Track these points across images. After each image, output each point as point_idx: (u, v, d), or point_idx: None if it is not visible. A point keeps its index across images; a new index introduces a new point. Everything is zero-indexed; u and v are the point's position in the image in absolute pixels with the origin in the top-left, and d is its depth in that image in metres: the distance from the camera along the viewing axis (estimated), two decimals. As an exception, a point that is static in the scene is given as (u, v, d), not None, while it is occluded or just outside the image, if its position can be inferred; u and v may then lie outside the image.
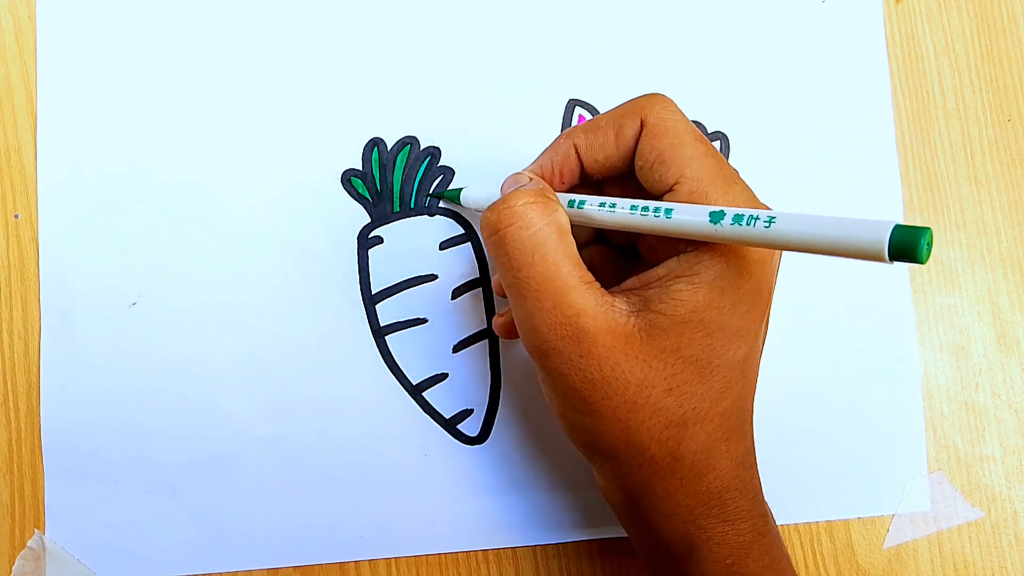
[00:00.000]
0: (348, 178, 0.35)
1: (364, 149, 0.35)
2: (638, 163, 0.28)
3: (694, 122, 0.37)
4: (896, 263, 0.22)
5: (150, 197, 0.34)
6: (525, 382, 0.35)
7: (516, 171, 0.30)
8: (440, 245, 0.35)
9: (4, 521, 0.33)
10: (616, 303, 0.27)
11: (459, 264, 0.35)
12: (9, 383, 0.34)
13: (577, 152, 0.29)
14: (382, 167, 0.35)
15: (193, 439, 0.34)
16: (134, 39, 0.35)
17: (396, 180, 0.35)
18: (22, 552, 0.33)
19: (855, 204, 0.38)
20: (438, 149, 0.36)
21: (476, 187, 0.33)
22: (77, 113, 0.34)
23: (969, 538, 0.37)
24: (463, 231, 0.36)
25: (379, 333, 0.35)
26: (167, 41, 0.35)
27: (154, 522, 0.34)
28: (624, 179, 0.29)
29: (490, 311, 0.35)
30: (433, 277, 0.35)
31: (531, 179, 0.29)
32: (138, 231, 0.34)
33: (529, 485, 0.35)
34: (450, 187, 0.35)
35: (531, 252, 0.26)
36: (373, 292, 0.35)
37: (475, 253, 0.36)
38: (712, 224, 0.25)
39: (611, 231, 0.32)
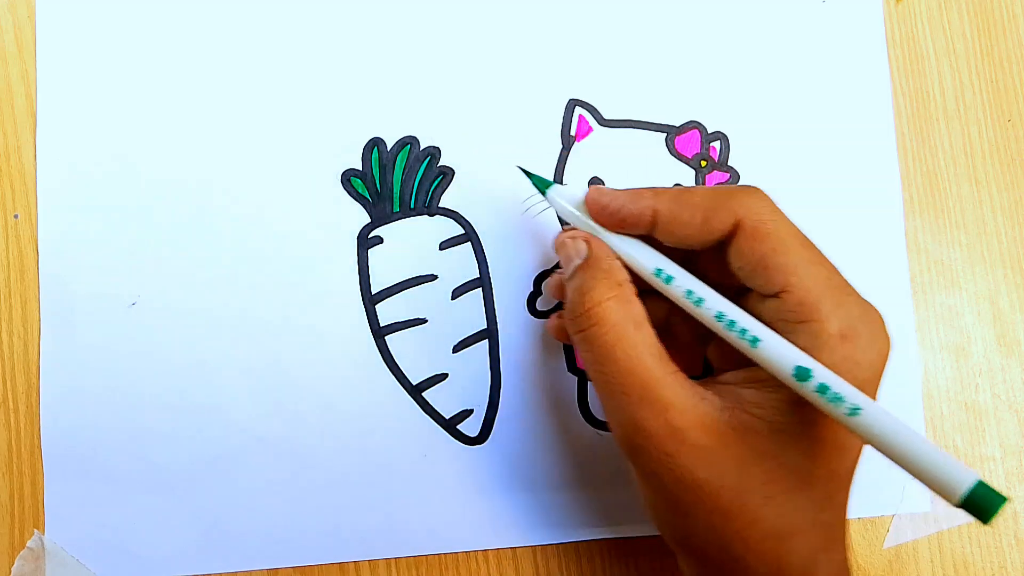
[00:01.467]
0: (348, 178, 0.35)
1: (364, 149, 0.35)
2: (736, 264, 0.27)
3: (694, 122, 0.37)
4: (961, 510, 0.22)
5: (150, 197, 0.34)
6: (525, 382, 0.35)
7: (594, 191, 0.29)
8: (440, 245, 0.35)
9: (4, 521, 0.33)
10: (707, 396, 0.26)
11: (459, 264, 0.35)
12: (9, 383, 0.34)
13: (654, 216, 0.28)
14: (382, 167, 0.35)
15: (193, 439, 0.34)
16: (134, 39, 0.35)
17: (396, 180, 0.35)
18: (22, 552, 0.33)
19: (855, 204, 0.38)
20: (438, 149, 0.36)
21: (565, 192, 0.31)
22: (77, 113, 0.34)
23: (969, 538, 0.37)
24: (463, 231, 0.36)
25: (379, 333, 0.35)
26: (167, 41, 0.35)
27: (154, 522, 0.34)
28: (701, 254, 0.28)
29: (490, 311, 0.35)
30: (433, 277, 0.35)
31: (589, 246, 0.28)
32: (138, 231, 0.34)
33: (529, 485, 0.35)
34: (533, 173, 0.33)
35: (612, 347, 0.26)
36: (373, 292, 0.35)
37: (475, 253, 0.36)
38: (796, 380, 0.24)
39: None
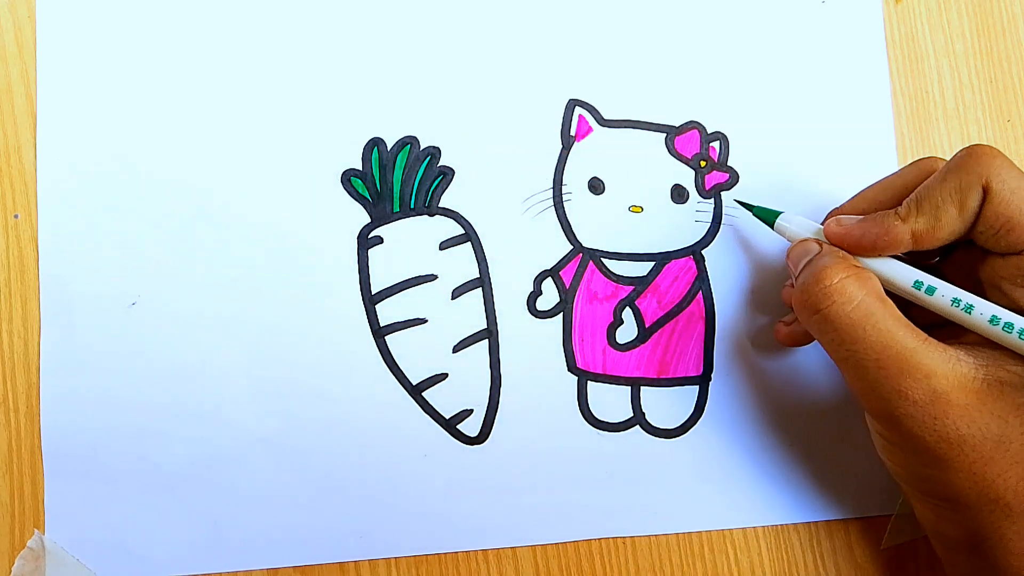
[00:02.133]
0: (348, 178, 0.35)
1: (364, 149, 0.35)
2: (980, 229, 0.28)
3: (694, 122, 0.37)
4: None
5: (150, 197, 0.34)
6: (525, 382, 0.35)
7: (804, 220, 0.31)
8: (440, 245, 0.35)
9: (4, 521, 0.33)
10: (961, 357, 0.27)
11: (459, 264, 0.35)
12: (9, 383, 0.34)
13: (914, 237, 0.28)
14: (382, 167, 0.35)
15: (193, 439, 0.34)
16: (134, 39, 0.35)
17: (396, 180, 0.35)
18: (22, 552, 0.33)
19: (855, 204, 0.38)
20: (438, 149, 0.36)
21: (796, 219, 0.33)
22: (77, 113, 0.34)
23: (969, 538, 0.37)
24: (463, 231, 0.36)
25: (379, 333, 0.35)
26: (167, 41, 0.35)
27: (154, 522, 0.34)
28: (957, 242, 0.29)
29: (490, 311, 0.35)
30: (433, 277, 0.35)
31: (821, 248, 0.29)
32: (138, 231, 0.34)
33: (529, 485, 0.35)
34: (755, 205, 0.35)
35: (861, 325, 0.27)
36: (373, 292, 0.35)
37: (475, 253, 0.36)
38: (991, 325, 0.26)
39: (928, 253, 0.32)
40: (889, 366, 0.26)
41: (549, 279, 0.36)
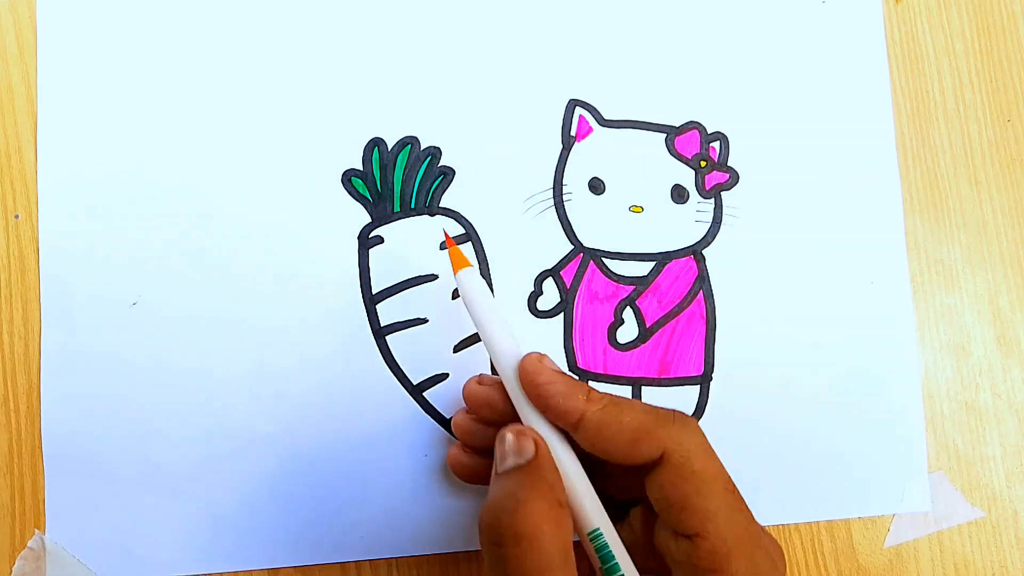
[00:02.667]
0: (348, 178, 0.35)
1: (364, 149, 0.35)
2: (655, 495, 0.26)
3: (694, 122, 0.37)
4: None
5: (150, 197, 0.34)
6: (525, 382, 0.35)
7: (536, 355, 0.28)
8: (440, 245, 0.35)
9: (4, 521, 0.33)
10: None
11: (459, 264, 0.35)
12: (9, 383, 0.34)
13: (580, 421, 0.26)
14: (382, 167, 0.35)
15: (193, 439, 0.34)
16: (134, 39, 0.35)
17: (396, 180, 0.35)
18: (22, 552, 0.33)
19: (855, 204, 0.38)
20: (438, 149, 0.36)
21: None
22: (77, 113, 0.34)
23: (969, 538, 0.37)
24: (464, 231, 0.36)
25: (379, 333, 0.35)
26: (167, 41, 0.35)
27: (154, 522, 0.34)
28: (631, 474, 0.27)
29: (490, 311, 0.35)
30: (433, 277, 0.35)
31: (537, 449, 0.26)
32: (138, 231, 0.34)
33: (529, 485, 0.35)
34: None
35: None
36: (373, 292, 0.35)
37: (476, 253, 0.36)
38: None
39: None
40: None
41: (550, 279, 0.36)
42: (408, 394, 0.35)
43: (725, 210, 0.37)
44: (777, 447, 0.36)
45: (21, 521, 0.33)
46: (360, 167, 0.35)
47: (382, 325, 0.35)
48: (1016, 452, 0.38)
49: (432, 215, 0.35)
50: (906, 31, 0.39)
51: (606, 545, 0.26)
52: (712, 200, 0.37)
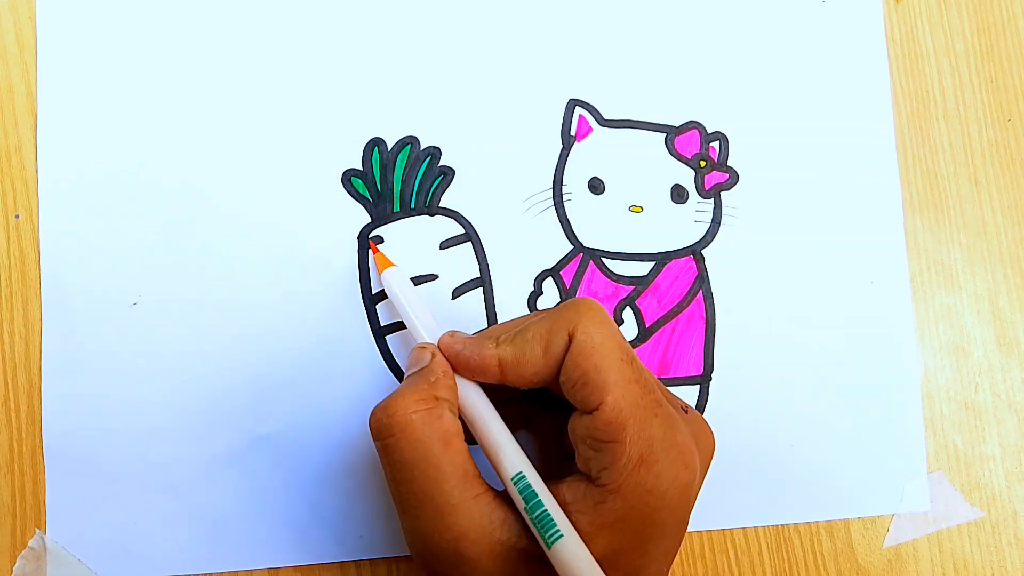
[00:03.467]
0: (348, 178, 0.35)
1: (364, 149, 0.35)
2: (562, 379, 0.27)
3: (694, 122, 0.37)
4: None
5: (151, 197, 0.34)
6: (525, 382, 0.35)
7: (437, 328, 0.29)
8: (440, 245, 0.35)
9: (5, 521, 0.33)
10: (507, 521, 0.26)
11: (459, 264, 0.35)
12: (10, 383, 0.34)
13: (500, 363, 0.27)
14: (382, 167, 0.35)
15: (193, 439, 0.34)
16: (134, 39, 0.35)
17: (396, 180, 0.35)
18: (23, 552, 0.33)
19: (855, 204, 0.38)
20: (438, 149, 0.36)
21: (399, 280, 0.32)
22: (77, 113, 0.34)
23: (969, 538, 0.37)
24: (463, 231, 0.36)
25: (379, 333, 0.35)
26: (167, 41, 0.35)
27: (154, 522, 0.34)
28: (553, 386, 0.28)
29: (490, 311, 0.35)
30: (433, 277, 0.35)
31: (433, 357, 0.28)
32: (138, 231, 0.34)
33: (529, 485, 0.35)
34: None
35: (412, 466, 0.25)
36: (373, 292, 0.35)
37: (475, 253, 0.36)
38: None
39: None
40: (424, 517, 0.25)
41: (549, 279, 0.36)
42: (408, 394, 0.35)
43: (725, 210, 0.37)
44: (776, 447, 0.36)
45: (21, 521, 0.33)
46: (360, 167, 0.35)
47: (382, 325, 0.35)
48: (1016, 452, 0.38)
49: (432, 215, 0.36)
50: (906, 31, 0.39)
51: (529, 486, 0.26)
52: (712, 200, 0.37)
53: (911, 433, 0.37)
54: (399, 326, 0.35)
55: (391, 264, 0.33)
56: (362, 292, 0.35)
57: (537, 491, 0.26)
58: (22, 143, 0.34)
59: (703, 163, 0.37)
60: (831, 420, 0.37)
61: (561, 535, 0.25)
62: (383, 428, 0.26)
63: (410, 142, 0.36)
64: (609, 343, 0.26)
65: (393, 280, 0.32)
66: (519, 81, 0.36)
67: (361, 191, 0.35)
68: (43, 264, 0.34)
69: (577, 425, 0.26)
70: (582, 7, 0.37)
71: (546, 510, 0.25)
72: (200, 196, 0.35)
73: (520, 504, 0.26)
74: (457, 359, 0.28)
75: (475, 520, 0.25)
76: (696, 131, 0.37)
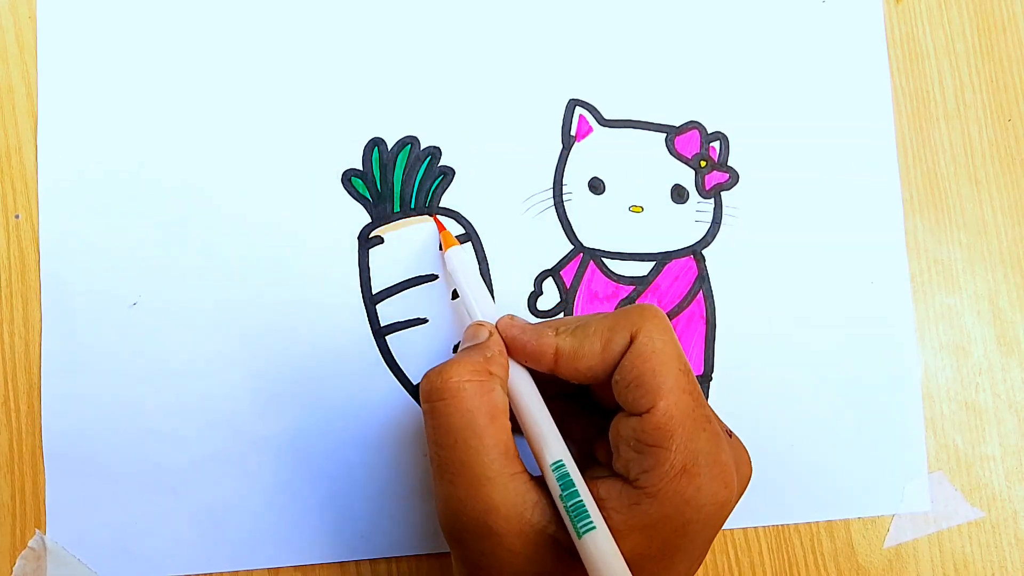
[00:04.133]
0: (348, 178, 0.35)
1: (364, 149, 0.35)
2: (617, 378, 0.27)
3: (694, 122, 0.37)
4: None
5: (151, 197, 0.34)
6: (525, 382, 0.35)
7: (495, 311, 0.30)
8: (440, 245, 0.35)
9: (5, 521, 0.33)
10: (540, 504, 0.26)
11: (459, 264, 0.35)
12: (10, 383, 0.34)
13: (556, 353, 0.28)
14: (382, 167, 0.35)
15: (193, 439, 0.34)
16: (134, 39, 0.35)
17: (396, 180, 0.35)
18: (23, 552, 0.33)
19: (855, 204, 0.38)
20: (438, 149, 0.36)
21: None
22: (78, 113, 0.34)
23: (969, 538, 0.37)
24: (463, 231, 0.36)
25: (379, 333, 0.35)
26: (167, 41, 0.35)
27: (154, 522, 0.34)
28: (602, 385, 0.28)
29: (490, 311, 0.35)
30: (433, 277, 0.35)
31: (490, 335, 0.28)
32: (138, 231, 0.34)
33: (529, 485, 0.35)
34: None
35: (456, 433, 0.25)
36: (373, 292, 0.35)
37: (475, 253, 0.36)
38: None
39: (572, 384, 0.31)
40: (460, 485, 0.25)
41: (550, 279, 0.36)
42: (408, 394, 0.35)
43: (725, 210, 0.37)
44: (777, 447, 0.36)
45: (21, 521, 0.33)
46: (360, 167, 0.35)
47: (382, 325, 0.35)
48: (1016, 452, 0.38)
49: (432, 215, 0.35)
50: (906, 31, 0.39)
51: (567, 475, 0.26)
52: (712, 200, 0.37)
53: (911, 433, 0.37)
54: (399, 326, 0.35)
55: (456, 243, 0.33)
56: (362, 292, 0.35)
57: (575, 480, 0.26)
58: (22, 143, 0.34)
59: (703, 163, 0.37)
60: (831, 420, 0.37)
61: (593, 527, 0.25)
62: (435, 391, 0.26)
63: (410, 142, 0.36)
64: (670, 350, 0.26)
65: (457, 259, 0.33)
66: (519, 81, 0.36)
67: (361, 191, 0.35)
68: (43, 264, 0.34)
69: (623, 426, 0.26)
70: (582, 7, 0.37)
71: (581, 500, 0.25)
72: (200, 196, 0.35)
73: (556, 491, 0.26)
74: (514, 342, 0.28)
75: (509, 496, 0.25)
76: (696, 131, 0.37)
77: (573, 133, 0.37)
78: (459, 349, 0.29)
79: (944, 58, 0.39)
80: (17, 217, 0.34)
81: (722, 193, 0.37)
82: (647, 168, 0.37)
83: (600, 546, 0.24)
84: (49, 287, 0.34)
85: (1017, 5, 0.40)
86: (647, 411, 0.25)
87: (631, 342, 0.27)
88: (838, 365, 0.37)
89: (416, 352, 0.35)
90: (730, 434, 0.29)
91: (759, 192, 0.37)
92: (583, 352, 0.27)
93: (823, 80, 0.38)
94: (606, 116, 0.37)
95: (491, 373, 0.27)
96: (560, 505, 0.26)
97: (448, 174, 0.36)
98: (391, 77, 0.36)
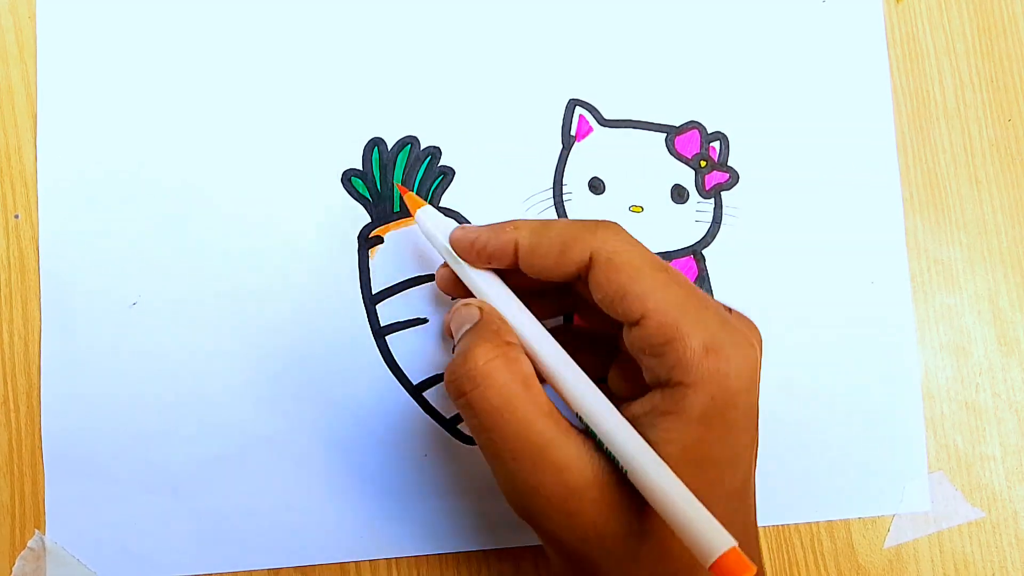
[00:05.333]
0: (348, 178, 0.35)
1: (364, 149, 0.35)
2: (597, 296, 0.27)
3: (694, 122, 0.37)
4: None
5: (150, 197, 0.34)
6: (525, 382, 0.35)
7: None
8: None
9: (4, 521, 0.33)
10: (599, 449, 0.25)
11: (459, 264, 0.35)
12: (9, 383, 0.34)
13: (516, 248, 0.28)
14: (382, 167, 0.35)
15: (193, 439, 0.34)
16: (134, 39, 0.35)
17: (396, 180, 0.35)
18: (22, 552, 0.33)
19: (855, 204, 0.38)
20: (438, 149, 0.36)
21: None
22: (77, 113, 0.34)
23: (969, 538, 0.37)
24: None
25: (379, 333, 0.35)
26: (167, 41, 0.35)
27: (154, 522, 0.34)
28: (561, 290, 0.28)
29: (490, 311, 0.35)
30: (433, 277, 0.35)
31: (481, 312, 0.28)
32: (138, 231, 0.34)
33: (529, 485, 0.35)
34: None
35: (500, 412, 0.25)
36: (373, 292, 0.35)
37: (475, 253, 0.36)
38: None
39: (588, 317, 0.31)
40: (523, 459, 0.25)
41: (549, 279, 0.36)
42: (408, 394, 0.35)
43: (725, 210, 0.37)
44: (777, 447, 0.36)
45: (21, 521, 0.33)
46: (360, 167, 0.35)
47: (382, 325, 0.35)
48: (1016, 452, 0.38)
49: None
50: (906, 31, 0.39)
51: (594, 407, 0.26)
52: (712, 200, 0.37)
53: (911, 433, 0.37)
54: (399, 326, 0.35)
55: (423, 203, 0.33)
56: (362, 292, 0.35)
57: (602, 417, 0.26)
58: (22, 143, 0.34)
59: (703, 163, 0.37)
60: (831, 420, 0.37)
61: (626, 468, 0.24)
62: (464, 382, 0.26)
63: (410, 142, 0.36)
64: (639, 255, 0.26)
65: (429, 220, 0.32)
66: (519, 81, 0.36)
67: (361, 191, 0.35)
68: (43, 264, 0.34)
69: (631, 339, 0.26)
70: (582, 7, 0.37)
71: (613, 431, 0.25)
72: (200, 196, 0.35)
73: (588, 419, 0.26)
74: (473, 244, 0.29)
75: (572, 452, 0.25)
76: (696, 131, 0.37)
77: (573, 133, 0.37)
78: (457, 335, 0.28)
79: (944, 58, 0.39)
80: (17, 217, 0.34)
81: (722, 193, 0.37)
82: (647, 168, 0.37)
83: (647, 473, 0.24)
84: (49, 287, 0.34)
85: (1017, 5, 0.40)
86: (643, 316, 0.25)
87: (591, 261, 0.26)
88: (838, 365, 0.37)
89: (416, 352, 0.35)
90: (729, 310, 0.29)
91: (759, 192, 0.37)
92: (541, 250, 0.27)
93: (823, 80, 0.38)
94: (606, 116, 0.37)
95: (508, 343, 0.27)
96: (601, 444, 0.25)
97: (448, 174, 0.36)
98: (391, 77, 0.36)
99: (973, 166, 0.39)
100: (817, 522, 0.37)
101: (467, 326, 0.28)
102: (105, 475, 0.33)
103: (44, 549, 0.33)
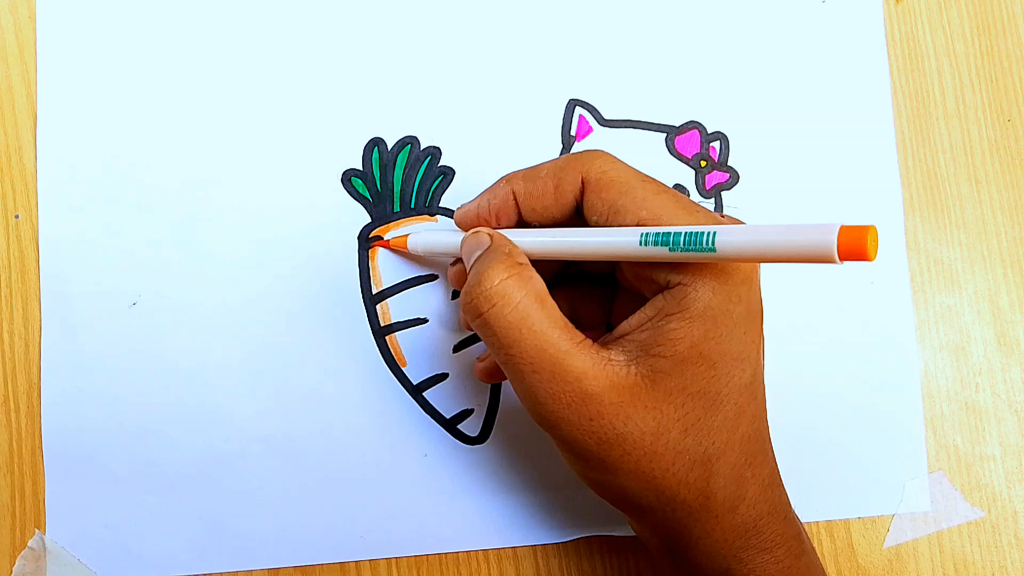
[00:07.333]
0: (348, 178, 0.35)
1: (364, 149, 0.35)
2: (592, 218, 0.28)
3: (694, 122, 0.37)
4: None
5: (150, 197, 0.34)
6: (525, 382, 0.35)
7: (467, 206, 0.31)
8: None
9: (5, 521, 0.33)
10: (613, 356, 0.26)
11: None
12: (9, 383, 0.34)
13: (515, 198, 0.29)
14: (382, 167, 0.35)
15: (193, 439, 0.34)
16: (134, 39, 0.35)
17: (396, 180, 0.35)
18: (23, 552, 0.33)
19: (855, 204, 0.38)
20: (438, 149, 0.36)
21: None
22: (77, 113, 0.34)
23: (969, 538, 0.37)
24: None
25: (379, 333, 0.35)
26: (167, 41, 0.35)
27: (154, 522, 0.34)
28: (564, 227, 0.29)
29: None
30: (433, 277, 0.35)
31: (491, 238, 0.29)
32: (138, 231, 0.34)
33: (529, 485, 0.35)
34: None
35: (518, 328, 0.26)
36: (373, 292, 0.35)
37: (475, 253, 0.36)
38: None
39: (585, 264, 0.32)
40: (542, 370, 0.26)
41: (549, 279, 0.36)
42: (408, 394, 0.35)
43: (725, 210, 0.37)
44: (777, 447, 0.36)
45: (21, 521, 0.33)
46: (360, 167, 0.35)
47: (382, 325, 0.35)
48: (1016, 452, 0.38)
49: (432, 215, 0.36)
50: (906, 31, 0.39)
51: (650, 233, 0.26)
52: (712, 200, 0.37)
53: (911, 433, 0.37)
54: (399, 326, 0.35)
55: (403, 240, 0.34)
56: (362, 292, 0.35)
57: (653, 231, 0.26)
58: (22, 143, 0.34)
59: (703, 163, 0.37)
60: (831, 420, 0.37)
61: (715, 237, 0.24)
62: (481, 302, 0.26)
63: (410, 142, 0.36)
64: (626, 171, 0.28)
65: (419, 241, 0.33)
66: (519, 81, 0.36)
67: (361, 191, 0.35)
68: (43, 264, 0.34)
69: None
70: (582, 7, 0.37)
71: (682, 232, 0.25)
72: (200, 196, 0.35)
73: (655, 255, 0.26)
74: (478, 212, 0.30)
75: (589, 359, 0.26)
76: (696, 131, 0.37)
77: (573, 133, 0.37)
78: (469, 261, 0.29)
79: (944, 58, 0.39)
80: (17, 217, 0.34)
81: (722, 193, 0.37)
82: (647, 168, 0.37)
83: (730, 240, 0.24)
84: (49, 287, 0.34)
85: (1017, 5, 0.40)
86: (639, 224, 0.26)
87: (583, 184, 0.28)
88: (838, 365, 0.37)
89: (416, 352, 0.35)
90: (723, 216, 0.30)
91: (759, 192, 0.37)
92: (537, 191, 0.29)
93: (823, 80, 0.38)
94: (606, 116, 0.37)
95: (520, 263, 0.27)
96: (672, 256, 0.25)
97: (448, 174, 0.36)
98: (391, 77, 0.36)
99: (973, 166, 0.39)
100: (817, 522, 0.37)
101: (479, 251, 0.29)
102: (105, 475, 0.33)
103: (44, 549, 0.33)
